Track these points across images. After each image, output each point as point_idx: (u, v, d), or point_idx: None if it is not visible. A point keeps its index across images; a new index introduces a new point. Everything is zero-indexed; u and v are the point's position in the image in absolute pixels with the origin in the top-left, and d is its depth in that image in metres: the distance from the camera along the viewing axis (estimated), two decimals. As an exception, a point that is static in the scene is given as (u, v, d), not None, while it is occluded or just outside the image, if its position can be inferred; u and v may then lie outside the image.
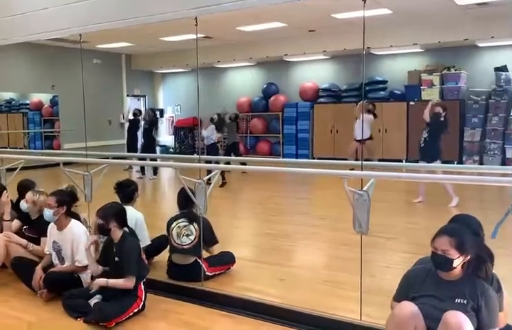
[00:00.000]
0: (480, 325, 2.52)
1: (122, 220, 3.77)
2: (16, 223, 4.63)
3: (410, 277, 2.82)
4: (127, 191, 4.65)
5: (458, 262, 2.57)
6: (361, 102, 10.71)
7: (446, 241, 2.57)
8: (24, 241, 4.40)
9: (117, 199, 4.52)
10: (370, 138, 10.19)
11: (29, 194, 4.54)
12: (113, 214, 3.72)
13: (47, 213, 4.04)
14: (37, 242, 4.43)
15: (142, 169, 11.15)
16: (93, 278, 3.92)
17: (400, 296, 2.77)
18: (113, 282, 3.61)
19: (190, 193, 4.10)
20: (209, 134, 10.50)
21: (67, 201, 4.10)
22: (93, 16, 4.89)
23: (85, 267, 3.98)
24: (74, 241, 4.00)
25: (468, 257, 2.58)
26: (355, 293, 3.42)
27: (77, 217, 4.30)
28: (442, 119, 7.29)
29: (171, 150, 15.60)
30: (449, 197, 7.01)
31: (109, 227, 3.70)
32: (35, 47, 12.17)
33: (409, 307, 2.55)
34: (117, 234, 3.72)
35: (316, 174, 8.68)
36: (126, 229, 3.79)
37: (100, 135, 11.49)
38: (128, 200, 4.57)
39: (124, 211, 3.87)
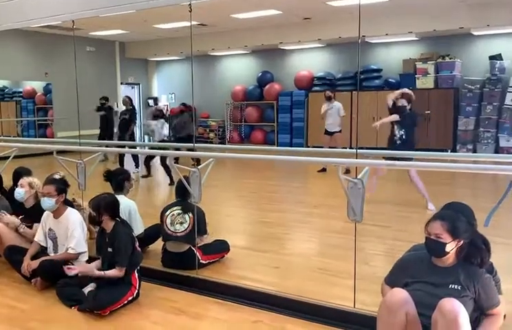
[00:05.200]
0: (482, 308, 2.58)
1: (114, 211, 3.76)
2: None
3: (404, 262, 2.85)
4: (117, 179, 4.64)
5: (451, 247, 2.60)
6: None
7: (439, 225, 2.61)
8: (17, 221, 4.37)
9: (109, 188, 4.51)
10: (339, 131, 9.61)
11: (23, 179, 4.51)
12: (105, 206, 3.71)
13: (48, 202, 3.99)
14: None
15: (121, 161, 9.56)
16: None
17: (391, 280, 2.80)
18: (107, 273, 3.62)
19: (185, 182, 4.08)
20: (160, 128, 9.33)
21: (64, 188, 4.09)
22: (86, 2, 4.84)
23: (78, 255, 3.98)
24: (69, 229, 3.99)
25: (462, 242, 2.61)
26: (349, 280, 3.44)
27: (70, 204, 4.28)
28: (409, 111, 6.56)
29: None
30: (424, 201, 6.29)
31: (101, 219, 3.71)
32: (27, 34, 12.07)
33: (400, 294, 2.57)
34: (109, 224, 3.73)
35: (310, 163, 8.71)
36: (118, 219, 3.78)
37: (93, 123, 11.42)
38: (119, 188, 4.56)
39: (117, 202, 3.85)
